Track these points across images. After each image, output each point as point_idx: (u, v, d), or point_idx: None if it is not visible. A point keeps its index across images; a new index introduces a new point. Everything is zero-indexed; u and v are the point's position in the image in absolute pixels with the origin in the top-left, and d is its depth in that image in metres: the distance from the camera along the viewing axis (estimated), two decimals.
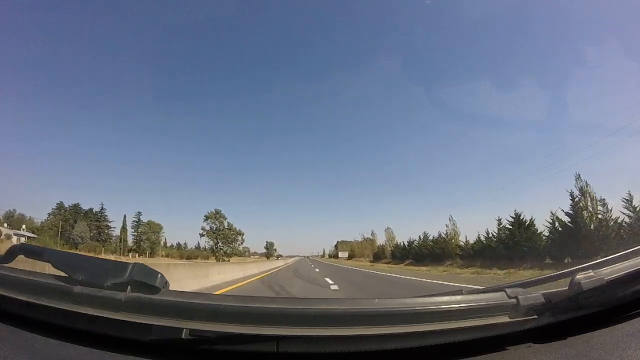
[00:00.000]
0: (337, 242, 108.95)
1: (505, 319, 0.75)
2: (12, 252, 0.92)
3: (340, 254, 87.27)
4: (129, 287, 0.76)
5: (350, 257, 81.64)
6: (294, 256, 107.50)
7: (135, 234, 69.71)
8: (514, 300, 0.75)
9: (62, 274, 0.81)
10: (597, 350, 0.69)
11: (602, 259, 0.83)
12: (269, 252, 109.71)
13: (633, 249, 0.84)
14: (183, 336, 0.70)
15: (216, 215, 69.49)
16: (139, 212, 71.05)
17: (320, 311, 0.74)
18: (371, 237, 73.72)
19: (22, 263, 0.93)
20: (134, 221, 71.39)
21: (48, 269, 0.85)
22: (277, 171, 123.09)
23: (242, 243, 71.05)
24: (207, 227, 67.67)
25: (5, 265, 0.91)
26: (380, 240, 67.11)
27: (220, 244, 67.38)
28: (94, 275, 0.78)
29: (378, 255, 59.65)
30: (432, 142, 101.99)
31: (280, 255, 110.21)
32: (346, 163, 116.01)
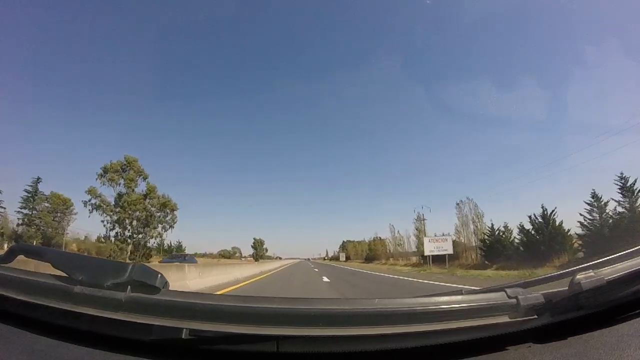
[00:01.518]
0: (344, 241, 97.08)
1: (505, 319, 0.75)
2: (12, 252, 0.92)
3: (429, 245, 28.77)
4: (129, 287, 0.76)
5: (368, 260, 59.64)
6: (293, 258, 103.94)
7: (27, 213, 41.79)
8: (514, 300, 0.75)
9: (62, 274, 0.81)
10: (597, 351, 0.69)
11: (602, 259, 0.83)
12: (258, 252, 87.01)
13: (633, 249, 0.84)
14: (183, 336, 0.70)
15: (123, 167, 33.28)
16: (38, 178, 42.52)
17: (321, 311, 0.74)
18: (417, 228, 39.65)
19: (22, 263, 0.93)
20: (27, 192, 42.30)
21: (48, 269, 0.85)
22: (277, 172, 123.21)
23: (171, 226, 35.66)
24: (112, 195, 33.05)
25: (5, 265, 0.91)
26: (441, 226, 41.38)
27: (131, 229, 33.40)
28: (94, 275, 0.78)
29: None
30: (432, 142, 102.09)
31: (279, 257, 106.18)
32: (346, 163, 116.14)
